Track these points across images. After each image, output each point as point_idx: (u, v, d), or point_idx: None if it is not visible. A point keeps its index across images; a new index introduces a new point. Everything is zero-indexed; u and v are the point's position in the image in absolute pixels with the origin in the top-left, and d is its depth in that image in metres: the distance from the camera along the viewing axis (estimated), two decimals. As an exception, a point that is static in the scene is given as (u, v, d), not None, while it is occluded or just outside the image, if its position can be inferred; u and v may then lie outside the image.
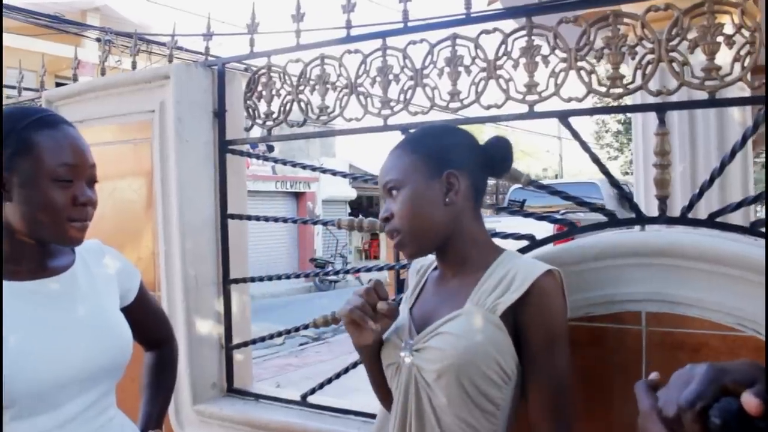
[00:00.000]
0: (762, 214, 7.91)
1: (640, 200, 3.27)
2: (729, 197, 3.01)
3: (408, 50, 1.92)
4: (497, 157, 1.33)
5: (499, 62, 1.76)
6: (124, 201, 2.51)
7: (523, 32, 1.72)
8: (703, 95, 1.55)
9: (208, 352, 2.39)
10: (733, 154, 1.51)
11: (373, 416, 1.94)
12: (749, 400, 0.53)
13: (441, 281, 1.36)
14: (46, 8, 10.77)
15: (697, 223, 1.52)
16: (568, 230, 1.71)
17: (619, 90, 1.61)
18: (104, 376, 1.28)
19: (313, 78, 2.12)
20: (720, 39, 1.49)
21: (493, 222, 7.43)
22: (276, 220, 2.45)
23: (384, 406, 1.47)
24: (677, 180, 3.12)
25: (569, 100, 1.66)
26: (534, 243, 1.71)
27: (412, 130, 1.60)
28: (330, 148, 21.67)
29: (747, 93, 2.51)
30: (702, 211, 1.62)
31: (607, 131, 20.65)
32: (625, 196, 1.67)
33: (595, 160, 1.70)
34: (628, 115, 12.75)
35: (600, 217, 1.61)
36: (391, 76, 1.95)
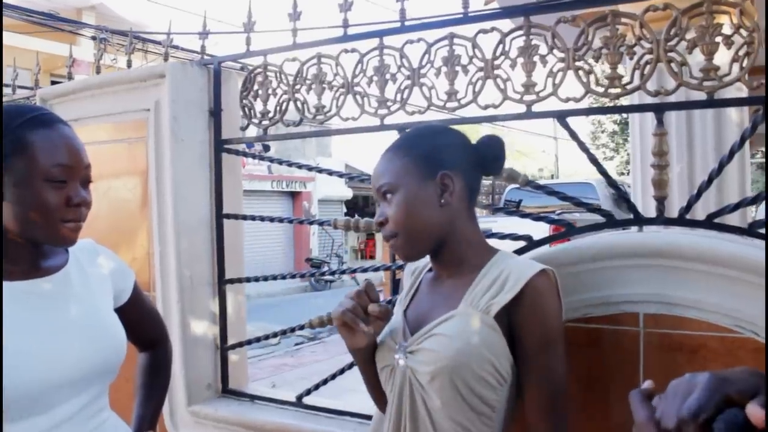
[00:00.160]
0: (758, 215, 7.92)
1: (638, 201, 3.26)
2: (726, 198, 3.01)
3: (405, 49, 1.91)
4: (490, 156, 1.32)
5: (496, 62, 1.75)
6: (119, 200, 2.49)
7: (521, 32, 1.71)
8: (701, 95, 1.54)
9: (203, 353, 2.38)
10: (731, 154, 1.51)
11: (368, 417, 1.93)
12: (755, 412, 0.51)
13: (435, 282, 1.35)
14: (41, 6, 10.73)
15: (695, 224, 1.52)
16: (565, 231, 1.71)
17: (618, 90, 1.61)
18: (98, 378, 1.27)
19: (309, 77, 2.10)
20: (718, 39, 1.49)
21: (489, 222, 7.43)
22: (272, 220, 2.44)
23: (379, 408, 1.47)
24: (674, 180, 3.12)
25: (567, 100, 1.65)
26: (531, 244, 1.71)
27: (408, 130, 1.59)
28: (326, 148, 21.66)
29: (744, 93, 2.51)
30: (699, 211, 1.61)
31: (603, 131, 20.70)
32: (623, 197, 1.67)
33: (593, 160, 1.70)
34: (625, 115, 12.79)
35: (596, 218, 1.60)
36: (387, 76, 1.94)
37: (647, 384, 0.65)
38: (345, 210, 21.69)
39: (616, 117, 18.15)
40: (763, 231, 1.44)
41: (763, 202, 1.49)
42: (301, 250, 19.50)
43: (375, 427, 1.74)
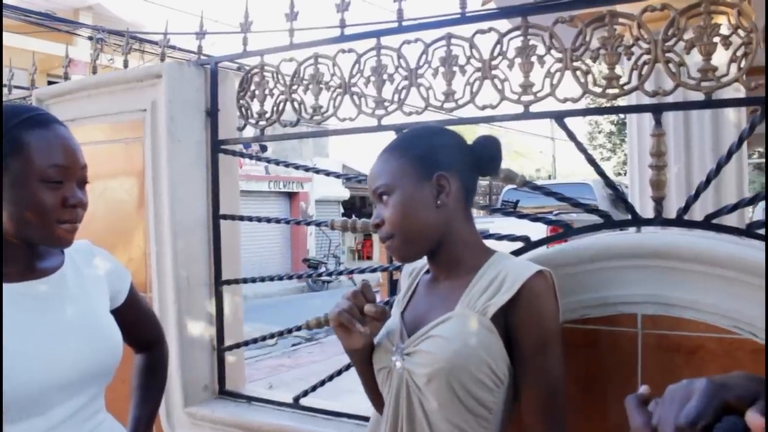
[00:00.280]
0: (754, 216, 7.93)
1: (635, 201, 3.27)
2: (724, 199, 3.01)
3: (402, 50, 1.90)
4: (485, 156, 1.31)
5: (494, 62, 1.75)
6: (116, 201, 2.48)
7: (519, 32, 1.71)
8: (698, 96, 1.54)
9: (199, 354, 2.37)
10: (729, 155, 1.51)
11: (366, 419, 1.92)
12: (755, 420, 0.50)
13: (432, 284, 1.34)
14: (38, 6, 10.71)
15: (693, 224, 1.52)
16: (563, 232, 1.70)
17: (616, 90, 1.60)
18: (94, 380, 1.26)
19: (306, 77, 2.10)
20: (716, 40, 1.49)
21: (486, 223, 7.42)
22: (269, 220, 2.44)
23: (376, 410, 1.46)
24: (672, 181, 3.12)
25: (565, 100, 1.65)
26: (529, 245, 1.70)
27: (404, 131, 1.58)
28: (323, 148, 21.65)
29: (742, 94, 2.51)
30: (697, 212, 1.61)
31: (599, 132, 20.72)
32: (620, 198, 1.66)
33: (591, 161, 1.70)
34: (622, 115, 12.79)
35: (594, 218, 1.60)
36: (385, 76, 1.93)
37: (643, 389, 0.64)
38: (342, 210, 21.67)
39: (613, 117, 18.16)
40: (761, 232, 1.44)
41: (759, 203, 1.49)
42: (298, 250, 19.49)
43: (372, 428, 1.73)
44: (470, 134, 1.33)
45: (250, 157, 2.68)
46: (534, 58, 1.69)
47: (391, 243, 1.27)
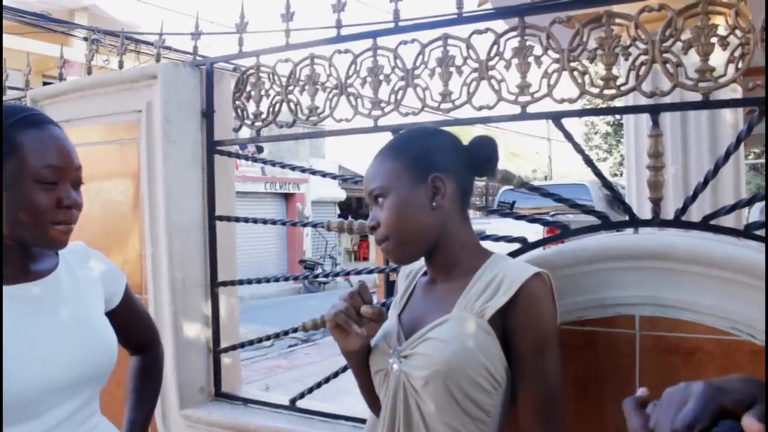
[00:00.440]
0: (750, 217, 7.94)
1: (632, 202, 3.27)
2: (721, 199, 3.01)
3: (399, 50, 1.90)
4: (482, 157, 1.31)
5: (491, 63, 1.74)
6: (111, 202, 2.47)
7: (516, 33, 1.70)
8: (696, 96, 1.54)
9: (195, 356, 2.36)
10: (727, 156, 1.50)
11: (362, 421, 1.92)
12: (752, 426, 0.50)
13: (430, 286, 1.34)
14: (33, 7, 10.69)
15: (690, 225, 1.51)
16: (560, 233, 1.70)
17: (613, 91, 1.60)
18: (88, 382, 1.25)
19: (302, 78, 2.09)
20: (714, 40, 1.49)
21: (482, 224, 7.43)
22: (265, 222, 2.43)
23: (373, 412, 1.45)
24: (669, 182, 3.12)
25: (562, 101, 1.65)
26: (526, 246, 1.70)
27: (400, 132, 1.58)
28: (319, 149, 21.64)
29: (739, 94, 2.52)
30: (694, 213, 1.61)
31: (596, 133, 20.74)
32: (618, 198, 1.66)
33: (588, 161, 1.69)
34: (618, 116, 12.82)
35: (591, 219, 1.60)
36: (381, 77, 1.93)
37: (641, 391, 0.64)
38: (338, 211, 21.67)
39: (609, 118, 18.20)
40: (759, 233, 1.44)
41: (756, 204, 1.49)
42: (294, 251, 19.47)
43: (369, 430, 1.73)
44: (467, 135, 1.32)
45: (246, 158, 2.67)
46: (531, 59, 1.69)
47: (387, 245, 1.26)
